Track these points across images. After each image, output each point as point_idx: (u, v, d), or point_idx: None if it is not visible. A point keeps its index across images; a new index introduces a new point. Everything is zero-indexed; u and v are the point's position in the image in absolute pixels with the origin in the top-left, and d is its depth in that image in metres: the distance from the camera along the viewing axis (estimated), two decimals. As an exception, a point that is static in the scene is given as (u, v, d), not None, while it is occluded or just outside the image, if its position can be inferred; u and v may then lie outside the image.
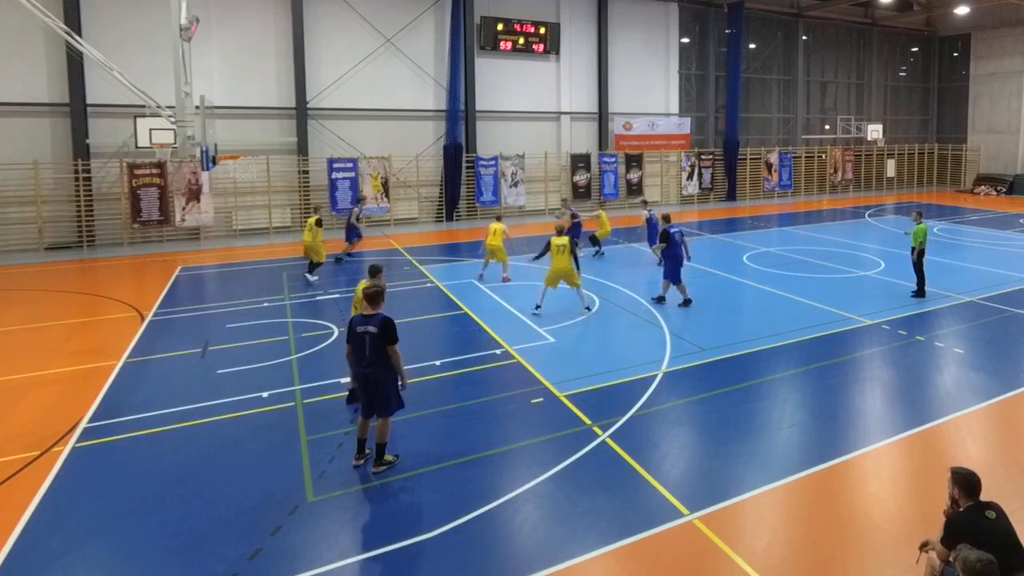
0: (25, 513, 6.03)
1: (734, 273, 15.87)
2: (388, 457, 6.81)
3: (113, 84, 15.67)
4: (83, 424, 7.87)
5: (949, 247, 19.12)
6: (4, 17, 18.27)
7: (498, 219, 15.22)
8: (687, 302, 12.81)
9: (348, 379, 7.39)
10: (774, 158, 32.79)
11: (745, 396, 8.61)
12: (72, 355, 10.45)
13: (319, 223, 15.31)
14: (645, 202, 14.78)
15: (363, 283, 7.72)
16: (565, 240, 12.16)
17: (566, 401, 8.41)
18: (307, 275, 15.11)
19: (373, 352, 6.52)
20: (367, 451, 6.88)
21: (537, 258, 12.01)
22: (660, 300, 13.03)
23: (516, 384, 9.02)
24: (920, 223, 13.43)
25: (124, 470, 6.87)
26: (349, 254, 17.90)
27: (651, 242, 17.13)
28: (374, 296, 6.69)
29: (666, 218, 13.70)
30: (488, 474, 6.75)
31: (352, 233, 17.79)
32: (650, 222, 17.44)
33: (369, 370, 6.57)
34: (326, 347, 10.58)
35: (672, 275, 12.93)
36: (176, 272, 16.48)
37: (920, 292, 13.36)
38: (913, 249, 13.32)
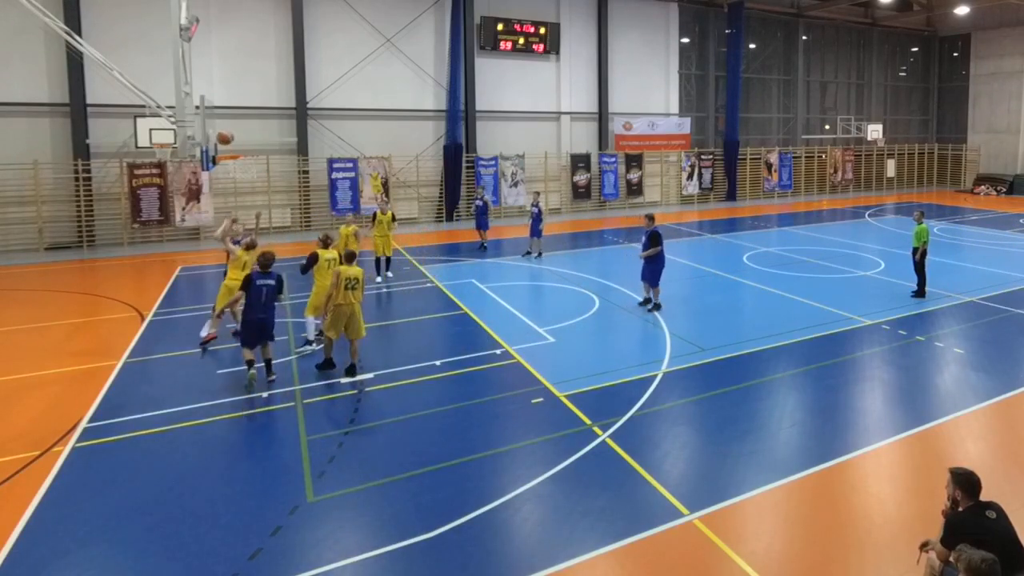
0: (25, 513, 6.03)
1: (734, 273, 15.87)
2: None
3: (113, 84, 15.67)
4: (83, 424, 7.87)
5: (949, 247, 19.12)
6: (4, 17, 18.27)
7: (249, 246, 10.78)
8: (657, 306, 12.47)
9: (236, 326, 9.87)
10: (774, 158, 32.79)
11: (745, 396, 8.61)
12: (72, 355, 10.45)
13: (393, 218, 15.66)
14: (651, 217, 13.22)
15: (343, 267, 9.40)
16: (334, 254, 10.65)
17: (566, 401, 8.41)
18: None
19: (268, 300, 9.03)
20: (255, 368, 8.85)
21: (304, 271, 10.47)
22: (658, 307, 12.50)
23: (516, 384, 9.02)
24: (921, 223, 13.42)
25: (124, 470, 6.87)
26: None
27: (534, 234, 17.87)
28: (270, 262, 9.11)
29: (651, 218, 12.81)
30: (488, 474, 6.75)
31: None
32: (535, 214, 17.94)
33: (265, 315, 9.03)
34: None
35: (657, 278, 12.45)
36: (176, 272, 16.47)
37: (920, 292, 13.36)
38: (916, 249, 13.31)
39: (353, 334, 9.37)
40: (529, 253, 18.11)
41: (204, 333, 10.82)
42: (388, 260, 15.56)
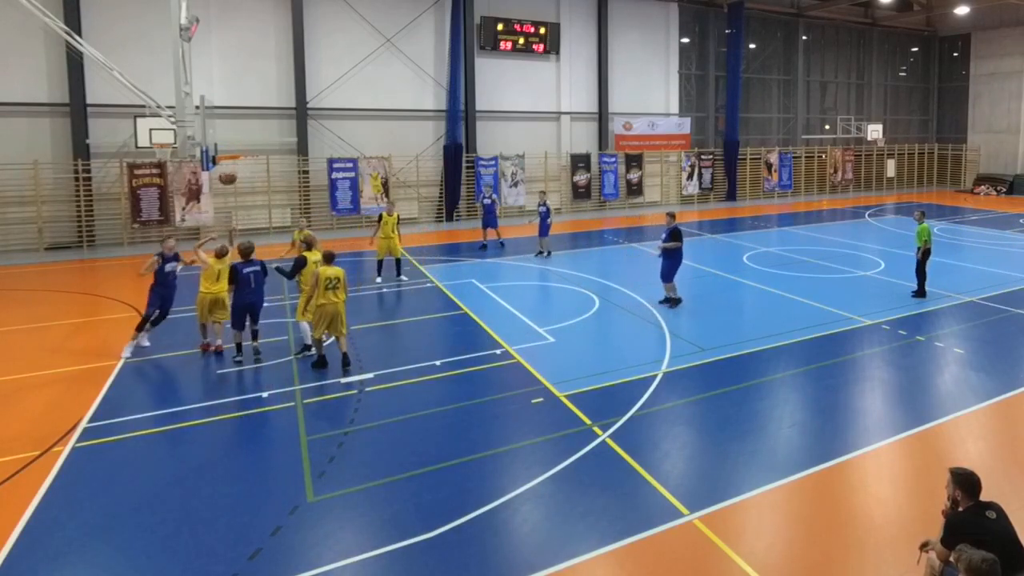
0: (25, 513, 6.03)
1: (734, 273, 15.86)
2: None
3: (113, 84, 15.68)
4: (83, 424, 7.87)
5: (949, 247, 19.11)
6: (4, 17, 18.26)
7: (220, 254, 10.38)
8: (677, 301, 12.77)
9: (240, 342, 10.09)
10: (774, 158, 32.79)
11: (745, 396, 8.61)
12: (72, 355, 10.45)
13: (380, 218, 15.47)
14: (672, 215, 13.13)
15: (324, 268, 9.55)
16: (318, 255, 10.43)
17: (566, 401, 8.41)
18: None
19: (256, 284, 9.88)
20: (243, 351, 9.93)
21: (291, 276, 10.62)
22: (674, 302, 12.71)
23: (516, 384, 9.02)
24: (922, 223, 13.39)
25: (124, 470, 6.87)
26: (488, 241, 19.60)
27: (542, 233, 17.99)
28: (249, 251, 9.89)
29: (672, 215, 13.21)
30: (488, 474, 6.76)
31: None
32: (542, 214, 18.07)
33: (254, 297, 9.92)
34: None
35: (672, 275, 12.72)
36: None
37: (920, 292, 13.35)
38: (918, 249, 13.28)
39: (336, 332, 9.56)
40: (540, 253, 18.05)
41: (212, 341, 10.59)
42: (399, 262, 15.41)
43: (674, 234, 12.60)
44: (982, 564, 3.62)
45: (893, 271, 15.72)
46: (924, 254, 13.18)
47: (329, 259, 9.75)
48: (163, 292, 10.72)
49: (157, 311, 10.65)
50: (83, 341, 11.31)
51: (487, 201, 19.44)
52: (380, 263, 15.32)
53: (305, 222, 14.18)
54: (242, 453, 7.28)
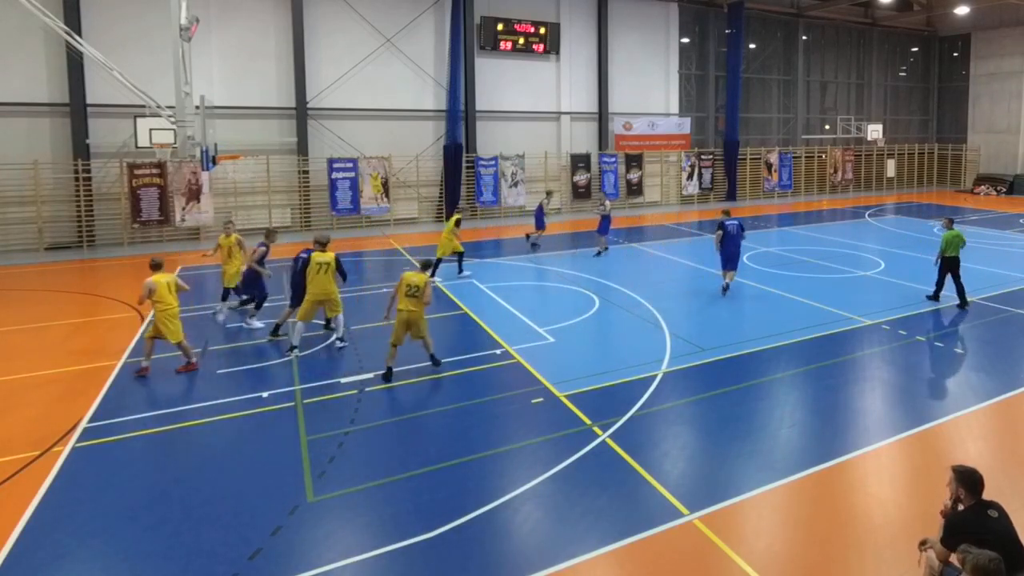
0: (25, 513, 6.03)
1: (734, 273, 15.84)
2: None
3: (113, 84, 15.70)
4: (83, 424, 7.87)
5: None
6: (4, 17, 18.26)
7: (156, 266, 9.74)
8: (725, 287, 13.63)
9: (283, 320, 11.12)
10: (774, 158, 32.78)
11: (745, 396, 8.61)
12: (72, 355, 10.45)
13: (458, 223, 15.65)
14: (727, 212, 14.32)
15: (409, 274, 9.35)
16: (330, 256, 10.29)
17: (566, 401, 8.41)
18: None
19: (302, 268, 10.42)
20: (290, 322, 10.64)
21: (298, 279, 10.77)
22: (725, 288, 13.62)
23: (516, 384, 9.02)
24: (950, 228, 12.98)
25: (124, 470, 6.87)
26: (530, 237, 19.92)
27: (601, 232, 18.42)
28: (321, 238, 10.58)
29: (726, 212, 14.13)
30: (488, 474, 6.75)
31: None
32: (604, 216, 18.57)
33: (300, 279, 10.42)
34: (326, 347, 10.59)
35: (727, 264, 13.61)
36: (176, 272, 16.40)
37: (946, 296, 12.95)
38: (938, 256, 12.94)
39: (415, 335, 9.29)
40: (600, 252, 18.24)
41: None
42: (439, 261, 15.26)
43: (718, 227, 13.70)
44: (989, 564, 3.61)
45: (893, 271, 15.72)
46: (945, 262, 12.76)
47: (425, 267, 9.81)
48: (257, 280, 11.67)
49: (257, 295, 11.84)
50: (83, 341, 11.31)
51: (545, 201, 20.19)
52: (459, 256, 15.58)
53: (233, 225, 12.81)
54: (242, 453, 7.28)
